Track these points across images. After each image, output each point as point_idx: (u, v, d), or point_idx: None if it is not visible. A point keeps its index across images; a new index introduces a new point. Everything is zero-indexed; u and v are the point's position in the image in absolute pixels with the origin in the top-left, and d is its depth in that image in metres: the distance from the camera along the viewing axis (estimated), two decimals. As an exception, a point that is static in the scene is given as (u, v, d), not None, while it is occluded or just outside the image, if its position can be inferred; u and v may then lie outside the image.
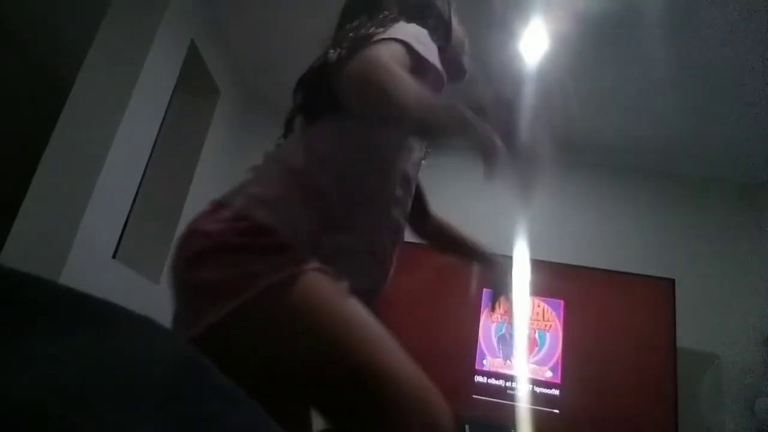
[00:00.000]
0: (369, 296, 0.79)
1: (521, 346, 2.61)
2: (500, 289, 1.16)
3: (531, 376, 2.54)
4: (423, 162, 0.99)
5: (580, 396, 2.49)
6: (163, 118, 2.27)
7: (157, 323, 0.26)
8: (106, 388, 0.21)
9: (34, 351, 0.21)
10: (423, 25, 0.89)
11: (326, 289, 0.71)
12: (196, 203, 2.62)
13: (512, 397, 2.51)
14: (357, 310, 0.72)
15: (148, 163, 2.20)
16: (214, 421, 0.23)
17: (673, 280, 2.65)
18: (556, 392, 2.50)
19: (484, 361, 2.57)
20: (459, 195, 2.50)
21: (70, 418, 0.19)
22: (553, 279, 2.69)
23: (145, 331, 0.25)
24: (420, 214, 1.11)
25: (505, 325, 2.64)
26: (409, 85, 0.67)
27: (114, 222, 2.01)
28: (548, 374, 2.54)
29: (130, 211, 2.15)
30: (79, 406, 0.20)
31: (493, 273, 1.16)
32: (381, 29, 0.80)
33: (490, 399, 2.50)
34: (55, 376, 0.21)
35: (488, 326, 2.64)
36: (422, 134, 0.86)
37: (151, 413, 0.21)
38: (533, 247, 2.60)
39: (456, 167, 2.14)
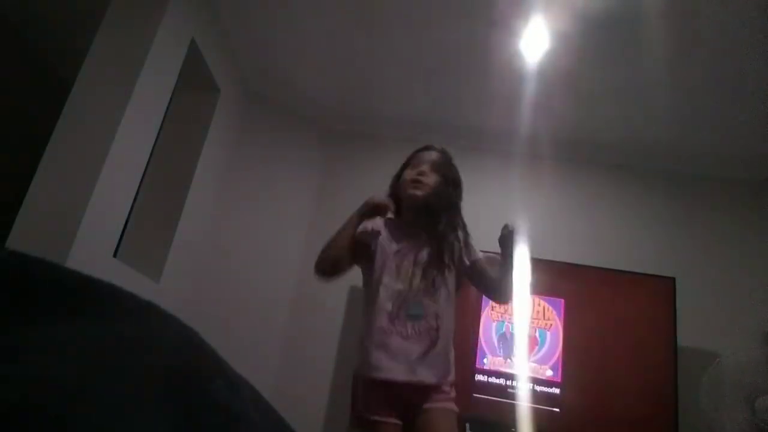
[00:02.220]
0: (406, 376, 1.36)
1: (522, 344, 2.61)
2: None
3: (531, 375, 2.54)
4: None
5: (581, 395, 2.49)
6: (164, 117, 2.27)
7: (162, 308, 0.26)
8: (108, 378, 0.21)
9: (32, 338, 0.21)
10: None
11: None
12: (196, 202, 2.62)
13: (512, 396, 2.51)
14: None
15: (148, 161, 2.20)
16: (221, 410, 0.23)
17: (674, 278, 2.65)
18: (557, 391, 2.50)
19: (485, 360, 2.57)
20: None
21: (70, 413, 0.19)
22: (553, 278, 2.69)
23: (149, 316, 0.25)
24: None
25: (506, 324, 2.64)
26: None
27: (114, 221, 2.01)
28: (549, 373, 2.54)
29: (130, 210, 2.15)
30: (77, 399, 0.20)
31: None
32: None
33: (491, 398, 2.50)
34: (54, 366, 0.20)
35: (488, 325, 2.64)
36: None
37: (156, 403, 0.21)
38: (534, 246, 2.59)
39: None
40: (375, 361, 1.37)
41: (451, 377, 1.43)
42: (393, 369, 1.36)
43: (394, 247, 1.49)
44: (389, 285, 1.44)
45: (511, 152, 3.13)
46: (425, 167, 1.55)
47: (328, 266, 1.51)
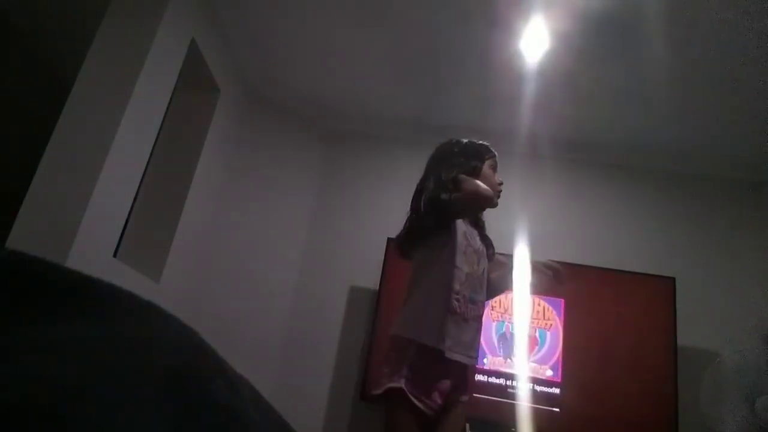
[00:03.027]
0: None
1: (522, 344, 2.61)
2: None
3: (531, 375, 2.54)
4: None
5: (581, 395, 2.49)
6: (164, 117, 2.27)
7: (162, 308, 0.26)
8: (108, 378, 0.21)
9: (32, 338, 0.21)
10: None
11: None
12: (196, 202, 2.62)
13: (513, 396, 2.51)
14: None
15: (148, 161, 2.20)
16: (221, 410, 0.23)
17: (674, 278, 2.65)
18: (557, 391, 2.50)
19: (485, 360, 2.57)
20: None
21: (69, 413, 0.19)
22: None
23: (149, 316, 0.25)
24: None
25: (506, 324, 2.64)
26: None
27: (114, 221, 2.01)
28: (549, 373, 2.54)
29: (130, 210, 2.15)
30: (77, 399, 0.19)
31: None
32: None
33: (491, 398, 2.50)
34: (54, 366, 0.20)
35: (488, 325, 2.64)
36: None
37: (156, 403, 0.21)
38: (534, 246, 2.60)
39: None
40: (445, 340, 1.39)
41: None
42: (460, 350, 1.42)
43: (463, 228, 1.52)
44: (460, 266, 1.47)
45: (511, 152, 3.13)
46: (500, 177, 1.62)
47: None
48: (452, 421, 1.42)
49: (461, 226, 1.51)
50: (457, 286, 1.44)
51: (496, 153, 1.63)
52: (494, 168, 1.61)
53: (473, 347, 1.46)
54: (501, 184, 1.59)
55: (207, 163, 2.67)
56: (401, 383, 1.34)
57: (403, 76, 2.81)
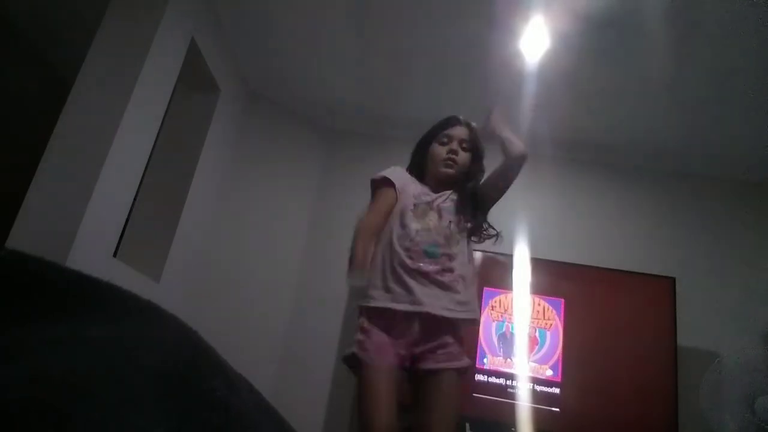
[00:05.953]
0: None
1: (522, 344, 2.61)
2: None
3: (531, 375, 2.54)
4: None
5: (581, 395, 2.49)
6: (164, 117, 2.27)
7: (161, 308, 0.26)
8: (109, 377, 0.21)
9: (32, 338, 0.21)
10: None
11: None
12: (196, 202, 2.62)
13: (513, 396, 2.51)
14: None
15: (148, 161, 2.20)
16: (221, 410, 0.23)
17: (674, 278, 2.65)
18: (557, 391, 2.50)
19: (485, 360, 2.57)
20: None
21: (70, 412, 0.19)
22: (553, 277, 2.69)
23: (149, 316, 0.25)
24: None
25: (506, 323, 2.64)
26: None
27: (114, 220, 2.01)
28: (549, 373, 2.54)
29: (130, 210, 2.15)
30: (78, 398, 0.20)
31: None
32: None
33: (491, 398, 2.50)
34: (55, 365, 0.20)
35: (488, 325, 2.64)
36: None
37: (157, 402, 0.21)
38: (534, 246, 2.60)
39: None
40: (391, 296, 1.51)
41: None
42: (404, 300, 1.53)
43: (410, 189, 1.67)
44: (408, 223, 1.63)
45: (511, 152, 3.13)
46: (455, 145, 1.63)
47: None
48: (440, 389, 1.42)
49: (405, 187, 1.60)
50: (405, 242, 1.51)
51: (443, 124, 1.68)
52: (442, 143, 1.65)
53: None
54: (449, 153, 1.62)
55: (207, 163, 2.67)
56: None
57: (403, 75, 2.81)
